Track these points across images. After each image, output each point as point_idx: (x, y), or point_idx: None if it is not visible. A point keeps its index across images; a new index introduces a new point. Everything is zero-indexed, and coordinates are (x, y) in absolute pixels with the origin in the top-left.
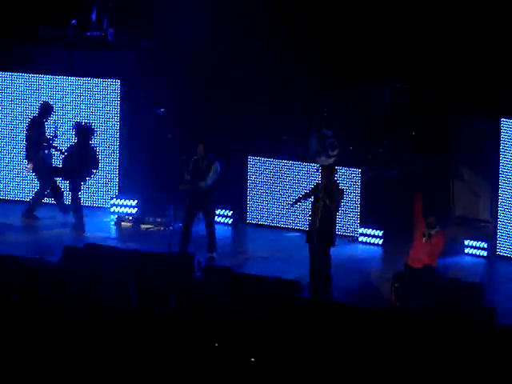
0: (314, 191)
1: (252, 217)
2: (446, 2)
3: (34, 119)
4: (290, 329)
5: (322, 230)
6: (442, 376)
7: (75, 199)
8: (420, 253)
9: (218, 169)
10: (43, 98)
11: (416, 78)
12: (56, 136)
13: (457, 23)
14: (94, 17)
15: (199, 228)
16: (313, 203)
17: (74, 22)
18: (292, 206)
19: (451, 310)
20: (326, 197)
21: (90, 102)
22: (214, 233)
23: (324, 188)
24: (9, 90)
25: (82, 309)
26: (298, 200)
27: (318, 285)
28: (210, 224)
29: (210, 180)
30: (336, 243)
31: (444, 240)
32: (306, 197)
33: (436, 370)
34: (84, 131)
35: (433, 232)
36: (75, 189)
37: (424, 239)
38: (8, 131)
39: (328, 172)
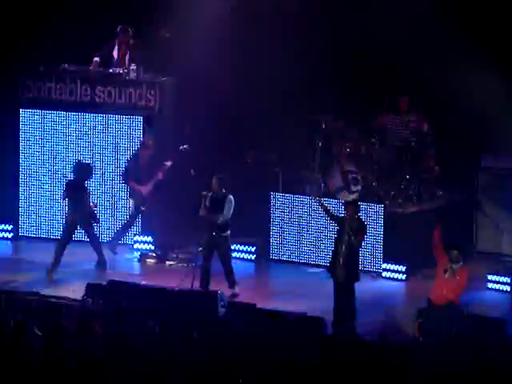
0: (339, 224)
1: (275, 252)
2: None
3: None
4: (314, 365)
5: (347, 266)
6: None
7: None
8: (443, 288)
9: (232, 201)
10: (71, 134)
11: (441, 116)
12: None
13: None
14: (116, 54)
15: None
16: (336, 239)
17: (96, 59)
18: (320, 203)
19: (474, 346)
20: (351, 233)
21: (114, 139)
22: (232, 268)
23: (348, 224)
24: (37, 127)
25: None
26: (325, 208)
27: (342, 321)
28: (228, 260)
29: (226, 213)
30: (360, 279)
31: (467, 275)
32: (328, 214)
33: None
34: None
35: (456, 267)
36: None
37: (446, 275)
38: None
39: (352, 208)
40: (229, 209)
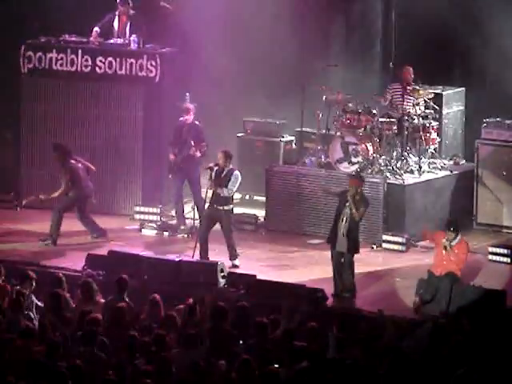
0: (341, 196)
1: (275, 224)
2: None
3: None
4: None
5: (348, 238)
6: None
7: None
8: (443, 262)
9: (239, 176)
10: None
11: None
12: None
13: None
14: (116, 25)
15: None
16: (337, 210)
17: (96, 29)
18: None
19: (476, 316)
20: (353, 206)
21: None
22: (234, 241)
23: (351, 197)
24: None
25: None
26: (328, 191)
27: (342, 292)
28: (230, 233)
29: (231, 187)
30: (359, 251)
31: (467, 248)
32: (331, 194)
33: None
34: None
35: (454, 242)
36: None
37: (444, 252)
38: None
39: (355, 181)
40: (234, 183)
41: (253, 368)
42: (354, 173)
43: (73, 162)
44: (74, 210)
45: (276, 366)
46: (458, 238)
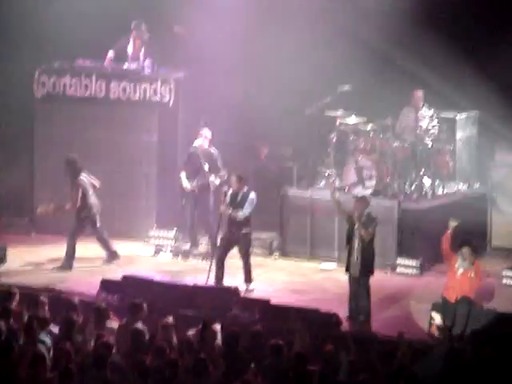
0: (348, 220)
1: (289, 248)
2: None
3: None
4: (328, 359)
5: (362, 261)
6: None
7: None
8: (456, 286)
9: (254, 199)
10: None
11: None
12: None
13: None
14: (130, 49)
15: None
16: (348, 235)
17: (110, 54)
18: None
19: (489, 340)
20: (361, 227)
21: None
22: (250, 265)
23: (358, 219)
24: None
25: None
26: (337, 202)
27: (357, 317)
28: (247, 257)
29: (246, 210)
30: (374, 273)
31: (481, 271)
32: (339, 209)
33: None
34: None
35: (467, 265)
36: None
37: (458, 273)
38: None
39: (360, 204)
40: (249, 206)
41: None
42: (358, 195)
43: (82, 178)
44: (87, 232)
45: None
46: (473, 259)
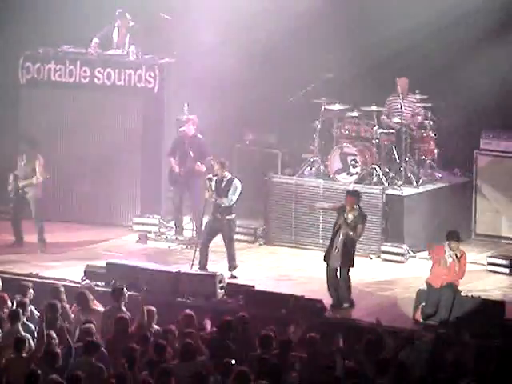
0: (338, 212)
1: (274, 236)
2: None
3: None
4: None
5: (342, 254)
6: None
7: None
8: (443, 276)
9: (239, 186)
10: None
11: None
12: None
13: None
14: (115, 36)
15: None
16: (335, 226)
17: (96, 40)
18: (313, 209)
19: (474, 327)
20: (349, 228)
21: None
22: (234, 252)
23: (348, 213)
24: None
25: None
26: (325, 208)
27: (341, 303)
28: (231, 243)
29: (231, 196)
30: (354, 265)
31: (466, 259)
32: (330, 210)
33: None
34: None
35: (459, 253)
36: None
37: (442, 264)
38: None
39: (351, 198)
40: (234, 193)
41: (248, 380)
42: (351, 190)
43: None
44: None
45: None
46: (459, 249)
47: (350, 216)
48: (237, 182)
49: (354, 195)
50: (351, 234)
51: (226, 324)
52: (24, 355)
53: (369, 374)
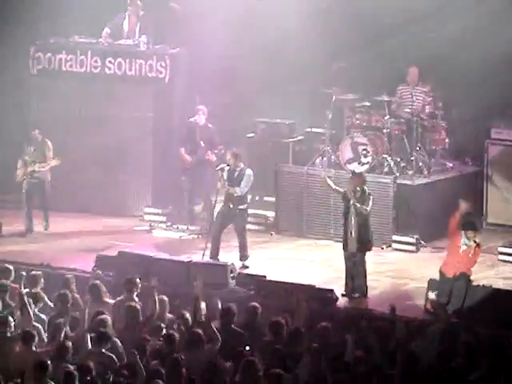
0: (344, 197)
1: (284, 225)
2: None
3: None
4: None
5: (359, 237)
6: None
7: None
8: (456, 262)
9: (251, 175)
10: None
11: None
12: None
13: None
14: (126, 25)
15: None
16: (344, 212)
17: (107, 30)
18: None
19: (487, 317)
20: (357, 201)
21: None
22: (246, 241)
23: (353, 195)
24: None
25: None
26: (329, 184)
27: (353, 293)
28: (243, 233)
29: (243, 186)
30: (371, 249)
31: (480, 250)
32: (333, 190)
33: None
34: None
35: (471, 243)
36: None
37: (461, 251)
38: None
39: (356, 180)
40: (247, 183)
41: (257, 369)
42: (355, 171)
43: None
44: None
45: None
46: (477, 239)
47: (357, 193)
48: (250, 172)
49: (357, 175)
50: (361, 207)
51: (226, 310)
52: (34, 349)
53: (378, 363)
